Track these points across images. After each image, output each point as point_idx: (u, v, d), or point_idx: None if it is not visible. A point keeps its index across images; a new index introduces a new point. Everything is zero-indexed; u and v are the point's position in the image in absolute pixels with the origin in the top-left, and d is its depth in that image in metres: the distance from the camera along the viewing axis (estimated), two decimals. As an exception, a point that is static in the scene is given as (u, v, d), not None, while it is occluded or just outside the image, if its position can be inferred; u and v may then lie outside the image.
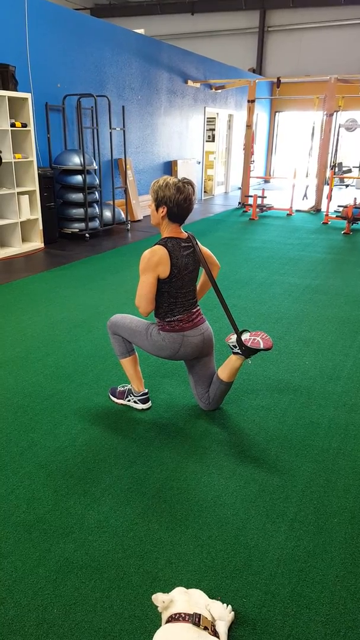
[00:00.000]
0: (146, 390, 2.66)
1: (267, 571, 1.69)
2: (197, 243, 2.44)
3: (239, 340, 2.42)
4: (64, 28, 6.61)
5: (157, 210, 2.32)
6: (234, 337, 2.45)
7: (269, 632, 1.49)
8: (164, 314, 2.41)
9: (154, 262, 2.28)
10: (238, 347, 2.43)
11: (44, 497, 2.00)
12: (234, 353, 2.47)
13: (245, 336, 2.43)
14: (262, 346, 2.38)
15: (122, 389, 2.70)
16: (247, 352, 2.42)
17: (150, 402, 2.67)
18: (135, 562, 1.71)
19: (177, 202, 2.26)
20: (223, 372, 2.52)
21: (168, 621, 1.40)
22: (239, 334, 2.44)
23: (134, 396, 2.64)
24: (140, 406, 2.63)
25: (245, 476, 2.14)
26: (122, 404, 2.68)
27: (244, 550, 1.77)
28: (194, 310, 2.47)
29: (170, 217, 2.32)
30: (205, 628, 1.38)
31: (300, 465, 2.22)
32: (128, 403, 2.67)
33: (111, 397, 2.72)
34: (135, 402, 2.65)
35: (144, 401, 2.64)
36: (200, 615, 1.40)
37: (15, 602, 1.57)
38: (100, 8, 15.12)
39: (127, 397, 2.67)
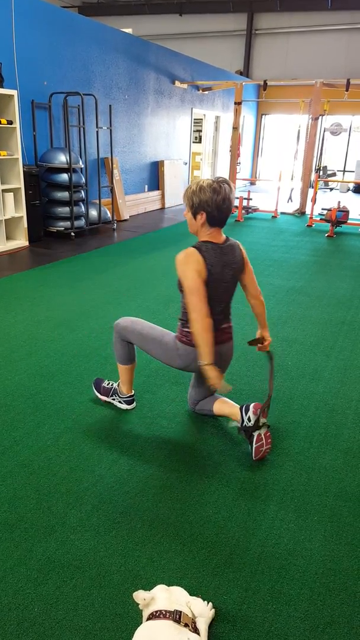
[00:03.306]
0: (132, 393, 2.64)
1: (247, 568, 1.71)
2: (242, 250, 2.26)
3: (250, 429, 2.22)
4: (51, 25, 6.58)
5: (195, 217, 2.14)
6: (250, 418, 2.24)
7: (248, 629, 1.51)
8: (187, 321, 2.22)
9: (191, 261, 2.09)
10: (241, 427, 2.26)
11: (26, 496, 1.99)
12: (237, 427, 2.30)
13: (255, 435, 2.22)
14: (253, 455, 2.22)
15: (108, 386, 2.67)
16: (245, 433, 2.26)
17: (135, 402, 2.67)
18: (117, 561, 1.72)
19: (216, 204, 2.08)
20: (217, 407, 2.44)
21: (149, 618, 1.41)
22: (254, 426, 2.22)
23: (120, 397, 2.63)
24: (124, 406, 2.63)
25: (227, 475, 2.16)
26: (105, 401, 2.68)
27: (225, 548, 1.78)
28: (222, 326, 2.29)
29: (210, 222, 2.14)
30: (186, 625, 1.39)
31: (282, 464, 2.25)
32: (112, 401, 2.66)
33: (95, 391, 2.71)
34: (119, 402, 2.64)
35: (129, 402, 2.63)
36: (181, 612, 1.41)
37: (-4, 601, 1.56)
38: (88, 6, 15.06)
39: (112, 395, 2.66)
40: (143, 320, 2.46)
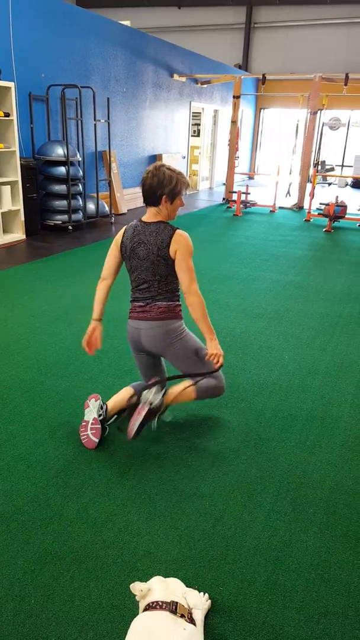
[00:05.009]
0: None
1: (243, 560, 1.72)
2: (173, 239, 2.14)
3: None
4: (48, 17, 6.52)
5: None
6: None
7: (244, 619, 1.52)
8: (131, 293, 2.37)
9: (118, 234, 2.33)
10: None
11: (23, 489, 2.00)
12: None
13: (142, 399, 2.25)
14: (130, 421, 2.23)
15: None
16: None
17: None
18: (114, 553, 1.73)
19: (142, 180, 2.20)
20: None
21: (145, 609, 1.42)
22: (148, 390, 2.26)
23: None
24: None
25: (223, 467, 2.17)
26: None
27: (221, 540, 1.79)
28: (140, 304, 2.28)
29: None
30: (182, 616, 1.40)
31: (278, 457, 2.26)
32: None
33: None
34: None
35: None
36: (177, 603, 1.42)
37: (-7, 593, 1.57)
38: (86, -2, 14.93)
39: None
40: None
